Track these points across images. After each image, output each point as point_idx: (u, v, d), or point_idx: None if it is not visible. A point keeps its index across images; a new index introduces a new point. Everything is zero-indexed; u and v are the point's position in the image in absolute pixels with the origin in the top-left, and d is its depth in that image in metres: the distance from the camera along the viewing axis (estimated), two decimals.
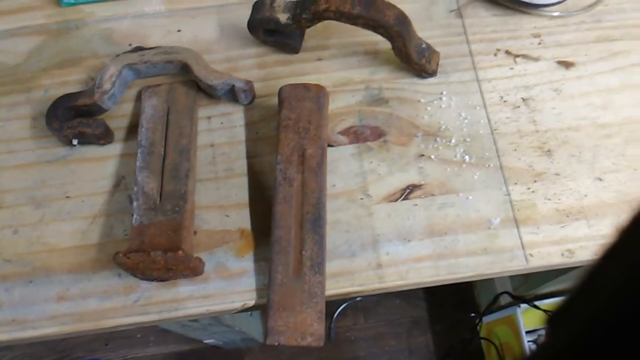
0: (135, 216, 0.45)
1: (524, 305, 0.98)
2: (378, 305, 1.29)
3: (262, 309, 0.46)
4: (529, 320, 0.99)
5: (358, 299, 1.27)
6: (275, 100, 0.51)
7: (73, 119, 0.49)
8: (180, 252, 0.43)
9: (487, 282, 1.16)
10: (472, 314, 1.21)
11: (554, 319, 0.23)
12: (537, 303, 0.95)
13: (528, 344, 0.98)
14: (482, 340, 1.14)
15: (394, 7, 0.48)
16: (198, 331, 0.92)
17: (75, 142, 0.49)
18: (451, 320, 1.27)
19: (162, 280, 0.45)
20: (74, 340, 1.23)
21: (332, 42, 0.55)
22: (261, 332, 1.19)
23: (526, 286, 1.00)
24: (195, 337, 1.02)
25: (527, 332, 0.98)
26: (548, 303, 0.96)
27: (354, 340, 1.25)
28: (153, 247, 0.43)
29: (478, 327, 1.14)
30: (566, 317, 0.23)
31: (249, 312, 0.99)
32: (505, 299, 1.04)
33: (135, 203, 0.46)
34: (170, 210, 0.45)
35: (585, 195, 0.49)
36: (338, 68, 0.54)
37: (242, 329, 0.98)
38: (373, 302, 1.29)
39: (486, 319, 1.12)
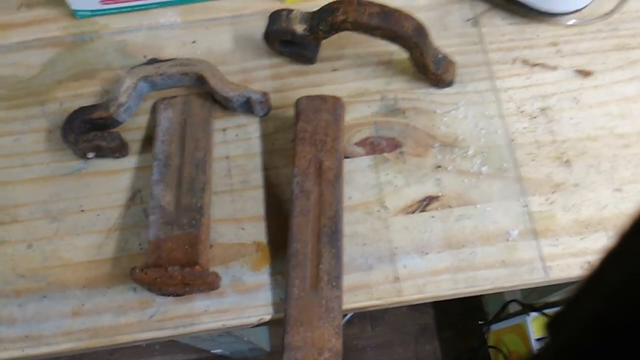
0: (151, 230, 0.45)
1: (533, 314, 0.97)
2: (385, 313, 1.28)
3: (278, 323, 0.46)
4: (539, 328, 0.98)
5: None
6: (291, 111, 0.51)
7: (88, 132, 0.48)
8: (197, 267, 0.42)
9: None
10: (480, 322, 1.20)
11: (552, 323, 0.23)
12: (547, 312, 0.94)
13: None
14: (490, 349, 1.13)
15: (412, 17, 0.47)
16: (206, 342, 0.92)
17: (90, 155, 0.49)
18: (459, 328, 1.26)
19: (178, 295, 0.45)
20: None
21: (347, 52, 0.55)
22: (268, 342, 1.19)
23: (536, 294, 0.99)
24: (203, 347, 1.01)
25: (536, 340, 0.97)
26: None
27: (361, 349, 1.25)
28: (170, 262, 0.43)
29: (486, 335, 1.13)
30: (565, 322, 0.23)
31: None
32: (514, 307, 1.04)
33: (151, 217, 0.45)
34: (187, 225, 0.45)
35: (605, 206, 0.49)
36: (353, 78, 0.53)
37: (250, 339, 0.97)
38: (380, 310, 1.28)
39: (494, 327, 1.11)
